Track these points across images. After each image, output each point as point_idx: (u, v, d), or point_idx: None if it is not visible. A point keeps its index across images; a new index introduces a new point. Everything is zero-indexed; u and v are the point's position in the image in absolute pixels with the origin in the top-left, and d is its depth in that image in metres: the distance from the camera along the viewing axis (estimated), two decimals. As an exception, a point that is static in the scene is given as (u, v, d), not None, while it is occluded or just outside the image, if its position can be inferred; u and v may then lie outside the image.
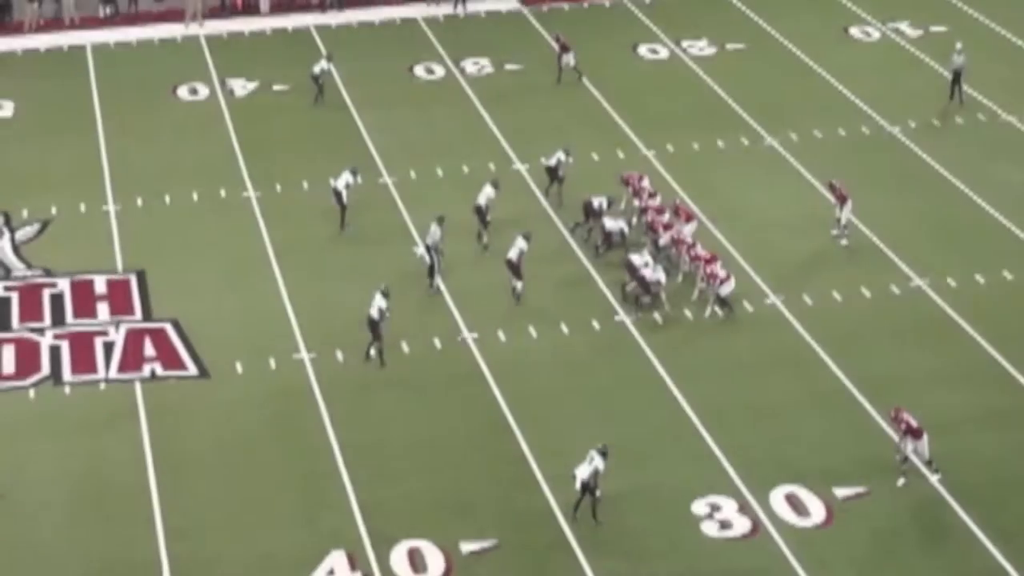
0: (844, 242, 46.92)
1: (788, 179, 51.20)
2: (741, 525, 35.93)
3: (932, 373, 41.55)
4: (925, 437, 36.63)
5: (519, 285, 44.37)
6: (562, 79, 58.21)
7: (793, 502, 36.59)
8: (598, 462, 35.34)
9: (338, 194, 47.82)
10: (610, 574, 34.37)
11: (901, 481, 36.81)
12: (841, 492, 36.87)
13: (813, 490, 36.93)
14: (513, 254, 44.15)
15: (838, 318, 43.60)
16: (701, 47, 62.46)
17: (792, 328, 43.31)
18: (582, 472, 35.22)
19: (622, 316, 43.80)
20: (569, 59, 58.21)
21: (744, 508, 36.40)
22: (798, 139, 54.22)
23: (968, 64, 56.06)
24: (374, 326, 41.21)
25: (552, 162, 49.53)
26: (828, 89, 58.54)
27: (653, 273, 43.53)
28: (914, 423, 36.67)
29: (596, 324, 43.45)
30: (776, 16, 65.28)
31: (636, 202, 47.75)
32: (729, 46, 62.53)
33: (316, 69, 56.66)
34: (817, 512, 36.31)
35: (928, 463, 36.92)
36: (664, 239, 45.71)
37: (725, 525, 35.92)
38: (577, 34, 62.99)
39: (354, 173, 48.07)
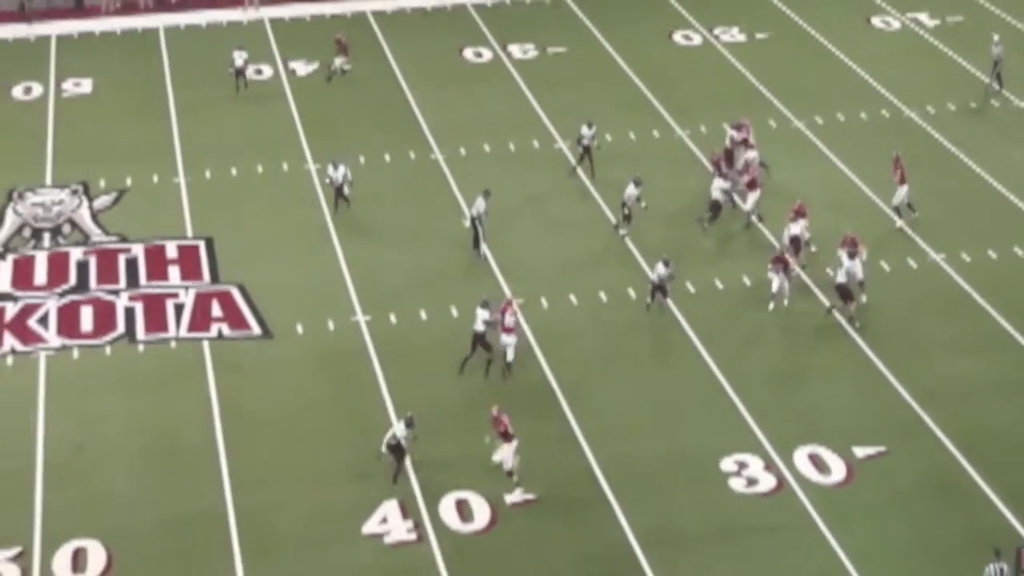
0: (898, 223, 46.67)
1: (813, 159, 50.80)
2: (766, 482, 35.76)
3: (947, 342, 41.25)
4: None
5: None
6: (332, 80, 57.53)
7: (815, 461, 36.40)
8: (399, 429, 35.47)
9: (339, 188, 47.20)
10: (644, 527, 34.22)
11: None
12: (860, 452, 36.66)
13: (834, 450, 36.73)
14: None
15: (859, 290, 43.28)
16: (732, 34, 62.05)
17: (816, 299, 43.01)
18: None
19: (602, 295, 43.60)
20: (342, 63, 57.58)
21: (769, 466, 36.23)
22: (823, 122, 53.82)
23: (1004, 53, 55.78)
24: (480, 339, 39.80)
25: (584, 139, 49.26)
26: (851, 75, 58.07)
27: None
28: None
29: (632, 293, 43.19)
30: (802, 6, 64.81)
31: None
32: (758, 34, 62.09)
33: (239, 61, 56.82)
34: (838, 470, 36.13)
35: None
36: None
37: (752, 482, 35.76)
38: (617, 21, 62.99)
39: (335, 165, 47.41)
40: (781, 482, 35.69)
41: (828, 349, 41.00)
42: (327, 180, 47.35)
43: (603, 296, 43.12)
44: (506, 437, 35.39)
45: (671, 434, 37.46)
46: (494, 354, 39.35)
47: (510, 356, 38.98)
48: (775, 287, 42.00)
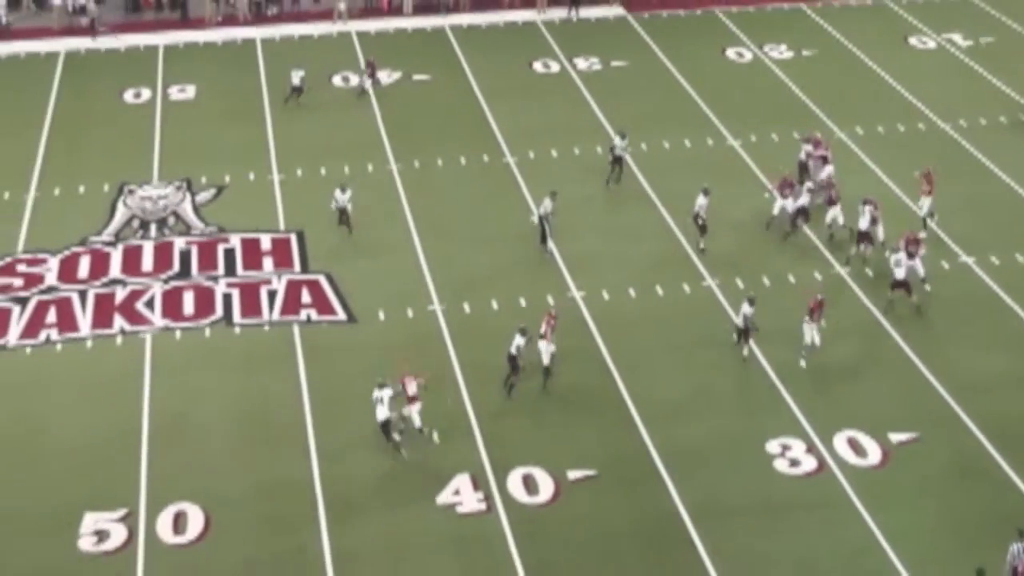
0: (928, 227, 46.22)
1: (854, 168, 50.29)
2: (808, 463, 35.54)
3: (976, 339, 40.84)
4: None
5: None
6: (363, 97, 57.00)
7: (854, 445, 36.15)
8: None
9: (343, 210, 46.15)
10: (694, 502, 34.09)
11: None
12: (895, 438, 36.38)
13: (871, 435, 36.46)
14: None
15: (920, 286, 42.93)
16: (781, 51, 61.63)
17: (855, 296, 42.70)
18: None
19: (709, 282, 43.33)
20: (367, 83, 57.32)
21: (811, 449, 36.00)
22: (863, 133, 53.38)
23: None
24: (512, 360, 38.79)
25: (616, 149, 48.77)
26: (890, 90, 57.57)
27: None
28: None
29: (687, 287, 43.01)
30: (845, 26, 64.34)
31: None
32: (805, 51, 61.63)
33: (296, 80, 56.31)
34: (874, 454, 35.86)
35: None
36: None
37: (794, 463, 35.55)
38: (675, 38, 62.77)
39: (343, 189, 46.49)
40: (822, 464, 35.45)
41: (867, 343, 40.65)
42: (333, 204, 46.19)
43: (659, 290, 42.93)
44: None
45: (720, 418, 37.28)
46: (519, 377, 38.39)
47: (545, 361, 38.44)
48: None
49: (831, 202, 45.46)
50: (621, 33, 64.18)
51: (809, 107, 55.67)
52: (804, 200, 45.79)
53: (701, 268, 43.77)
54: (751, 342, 39.71)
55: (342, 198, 46.01)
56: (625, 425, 36.98)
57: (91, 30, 64.03)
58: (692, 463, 35.47)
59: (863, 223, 43.65)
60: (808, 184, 46.52)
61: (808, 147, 48.41)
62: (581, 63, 60.50)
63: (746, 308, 39.52)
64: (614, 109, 55.45)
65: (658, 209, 47.51)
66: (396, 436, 35.66)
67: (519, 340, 37.67)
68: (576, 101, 56.78)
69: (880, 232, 44.64)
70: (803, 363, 39.16)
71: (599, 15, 66.28)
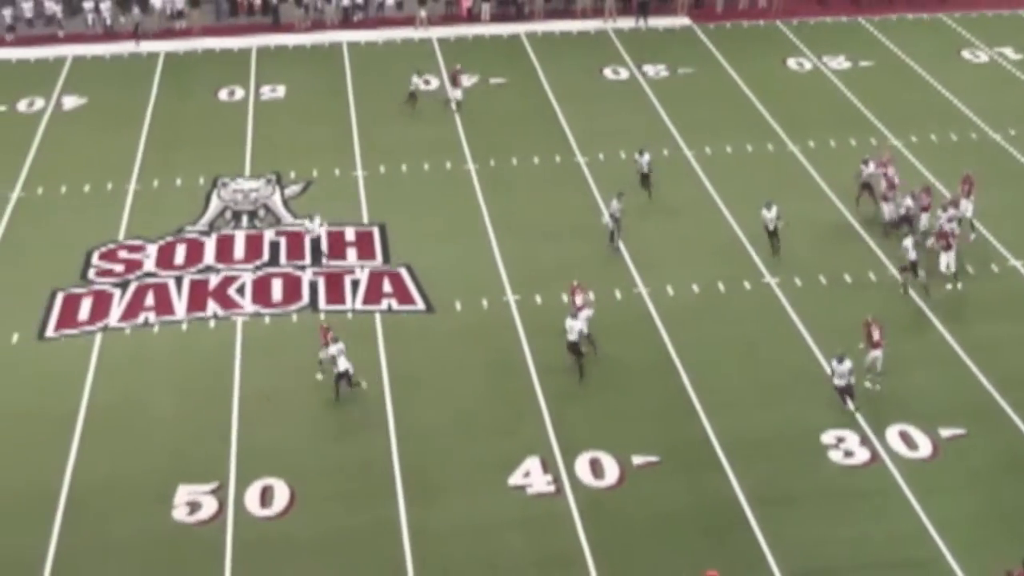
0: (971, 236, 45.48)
1: (908, 174, 49.59)
2: (862, 455, 35.17)
3: (1022, 337, 40.32)
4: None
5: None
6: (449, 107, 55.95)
7: (905, 438, 35.73)
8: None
9: (316, 240, 45.17)
10: (752, 489, 33.80)
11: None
12: (945, 432, 35.94)
13: (922, 429, 36.04)
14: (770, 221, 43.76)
15: (948, 290, 42.41)
16: (839, 62, 61.05)
17: (910, 298, 42.25)
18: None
19: (768, 279, 42.99)
20: (456, 93, 56.02)
21: (864, 441, 35.61)
22: (917, 141, 52.79)
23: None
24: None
25: (644, 168, 47.94)
26: (943, 101, 56.92)
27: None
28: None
29: (747, 284, 42.69)
30: (901, 39, 63.68)
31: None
32: (862, 62, 61.01)
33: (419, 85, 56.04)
34: (925, 447, 35.44)
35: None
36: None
37: (848, 454, 35.19)
38: (737, 48, 62.33)
39: (312, 218, 45.88)
40: (874, 455, 35.07)
41: (918, 340, 40.20)
42: (304, 230, 45.35)
43: (721, 287, 42.63)
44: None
45: (777, 409, 36.93)
46: (585, 359, 38.54)
47: (585, 331, 38.50)
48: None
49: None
50: (687, 42, 63.85)
51: (866, 116, 55.11)
52: (902, 210, 45.23)
53: (761, 266, 43.41)
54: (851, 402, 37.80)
55: (311, 226, 45.30)
56: (687, 414, 36.74)
57: (135, 35, 64.28)
58: (750, 452, 35.17)
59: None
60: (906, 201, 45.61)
61: (869, 168, 47.29)
62: (649, 70, 60.19)
63: (836, 364, 37.01)
64: (681, 115, 55.13)
65: (720, 210, 47.18)
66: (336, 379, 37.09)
67: (571, 323, 37.99)
68: (644, 106, 56.49)
69: (924, 220, 44.63)
70: (875, 386, 37.86)
71: (666, 25, 65.96)
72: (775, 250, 44.15)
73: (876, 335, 37.43)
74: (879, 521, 32.87)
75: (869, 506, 33.37)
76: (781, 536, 32.27)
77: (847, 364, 36.16)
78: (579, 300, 39.11)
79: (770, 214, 44.14)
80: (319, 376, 37.95)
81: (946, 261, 42.15)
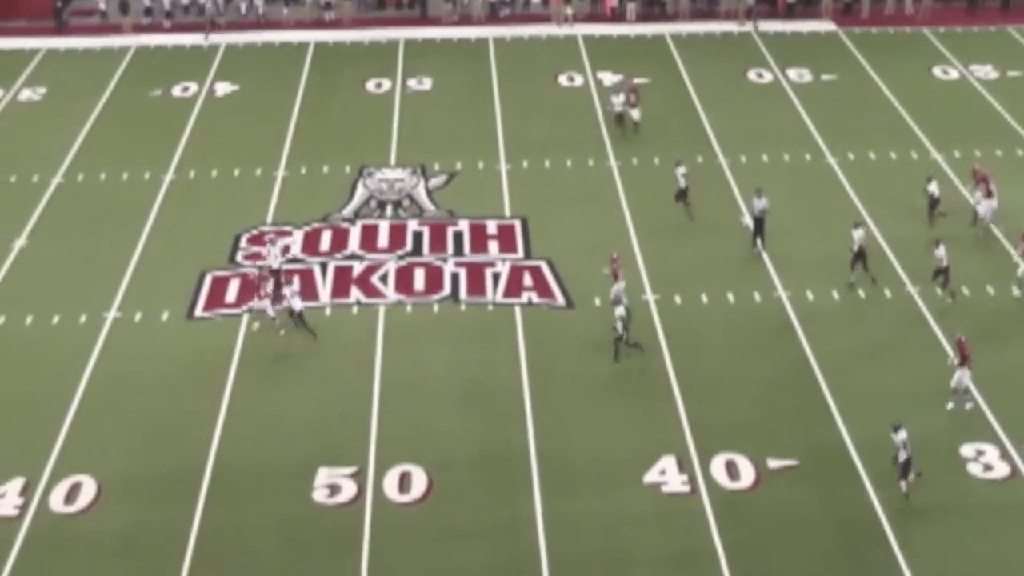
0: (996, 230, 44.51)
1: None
2: (1001, 469, 34.36)
3: None
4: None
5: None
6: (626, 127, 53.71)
7: (1045, 453, 34.96)
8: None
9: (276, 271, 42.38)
10: (890, 500, 33.08)
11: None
12: (1088, 449, 35.12)
13: (1063, 445, 35.23)
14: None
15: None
16: (986, 71, 59.76)
17: (1051, 310, 41.43)
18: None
19: (910, 288, 42.24)
20: (635, 113, 53.46)
21: (1004, 455, 34.80)
22: (1064, 153, 51.76)
23: None
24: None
25: (680, 182, 46.72)
26: (1093, 112, 55.63)
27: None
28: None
29: (888, 293, 41.96)
30: (1051, 49, 62.49)
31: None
32: (1010, 72, 59.72)
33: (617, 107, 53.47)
34: (1066, 464, 34.66)
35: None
36: None
37: (987, 468, 34.38)
38: (882, 54, 61.39)
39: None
40: (1015, 470, 34.26)
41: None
42: (274, 261, 42.75)
43: (861, 293, 41.95)
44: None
45: (916, 419, 35.84)
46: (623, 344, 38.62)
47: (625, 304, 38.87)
48: None
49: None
50: (832, 47, 63.00)
51: (1012, 127, 53.86)
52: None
53: (903, 274, 42.65)
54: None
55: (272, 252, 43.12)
56: (824, 420, 36.21)
57: (205, 27, 64.91)
58: (888, 461, 34.44)
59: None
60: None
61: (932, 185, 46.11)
62: (793, 74, 59.48)
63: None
64: (823, 120, 54.38)
65: (861, 215, 46.40)
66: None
67: (619, 311, 38.14)
68: (787, 110, 55.82)
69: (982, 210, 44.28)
70: (965, 406, 36.80)
71: (811, 29, 65.16)
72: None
73: (964, 352, 36.42)
74: (1018, 536, 32.10)
75: (1008, 521, 32.59)
76: (917, 548, 31.64)
77: (902, 435, 33.23)
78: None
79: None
80: (255, 326, 39.49)
81: None
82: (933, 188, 45.38)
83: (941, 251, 41.18)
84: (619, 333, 38.21)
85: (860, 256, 42.07)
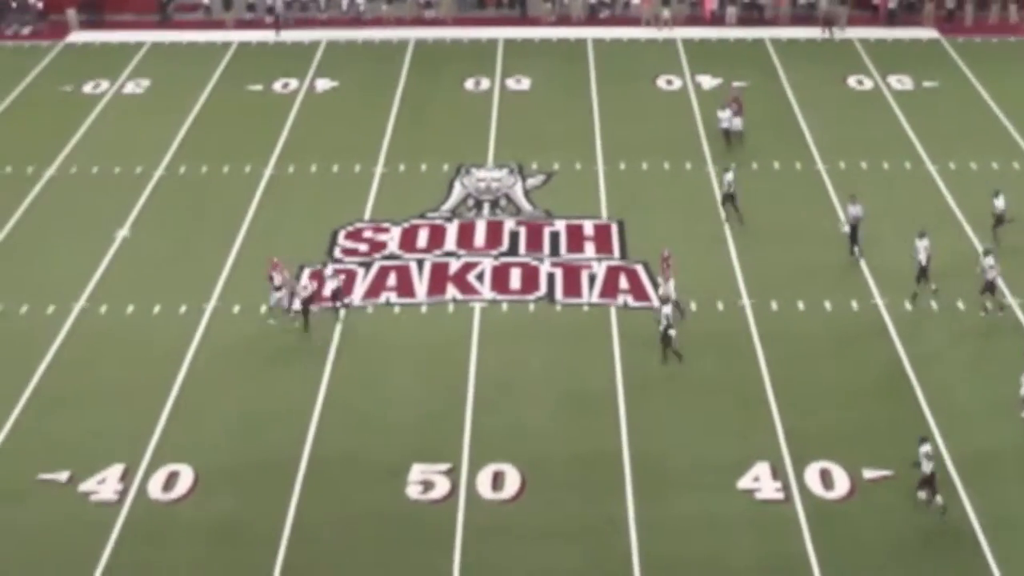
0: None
1: None
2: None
3: None
4: None
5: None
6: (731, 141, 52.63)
7: None
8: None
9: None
10: (985, 512, 32.58)
11: None
12: None
13: None
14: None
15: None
16: (1094, 79, 58.88)
17: None
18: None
19: (1009, 299, 41.62)
20: (736, 123, 52.41)
21: (1102, 470, 34.29)
22: None
23: None
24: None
25: (727, 187, 46.26)
26: None
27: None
28: None
29: (989, 303, 41.30)
30: None
31: None
32: None
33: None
34: None
35: None
36: None
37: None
38: (986, 63, 60.56)
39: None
40: (1115, 484, 33.76)
41: None
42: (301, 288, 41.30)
43: (960, 304, 41.39)
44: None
45: (1014, 431, 35.66)
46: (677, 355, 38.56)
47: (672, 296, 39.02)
48: None
49: None
50: (933, 54, 62.27)
51: (1119, 138, 53.13)
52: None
53: (1003, 286, 42.04)
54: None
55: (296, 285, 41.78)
56: (920, 430, 35.66)
57: (275, 24, 65.35)
58: (984, 472, 34.06)
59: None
60: None
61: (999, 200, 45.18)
62: (894, 80, 58.85)
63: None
64: (924, 127, 53.75)
65: (961, 226, 45.87)
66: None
67: (666, 309, 38.30)
68: (887, 117, 55.21)
69: None
70: None
71: (913, 36, 64.45)
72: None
73: None
74: (1119, 554, 31.62)
75: (1109, 538, 32.11)
76: (1015, 563, 31.19)
77: (925, 447, 32.69)
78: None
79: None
80: (271, 321, 39.94)
81: None
82: (999, 203, 44.62)
83: (989, 260, 40.56)
84: (665, 333, 38.14)
85: (923, 267, 41.60)
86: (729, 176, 46.09)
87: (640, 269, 43.18)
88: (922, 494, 32.79)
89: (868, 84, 58.69)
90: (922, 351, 39.16)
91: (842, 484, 33.66)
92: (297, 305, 40.23)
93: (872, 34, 64.44)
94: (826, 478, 33.84)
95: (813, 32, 64.53)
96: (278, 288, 40.55)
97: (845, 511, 32.85)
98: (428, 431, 35.74)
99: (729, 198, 46.03)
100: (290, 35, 64.73)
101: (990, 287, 40.54)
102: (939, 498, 32.60)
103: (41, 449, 35.24)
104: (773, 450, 34.87)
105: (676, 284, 40.10)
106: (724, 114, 52.04)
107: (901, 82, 58.77)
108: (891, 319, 40.61)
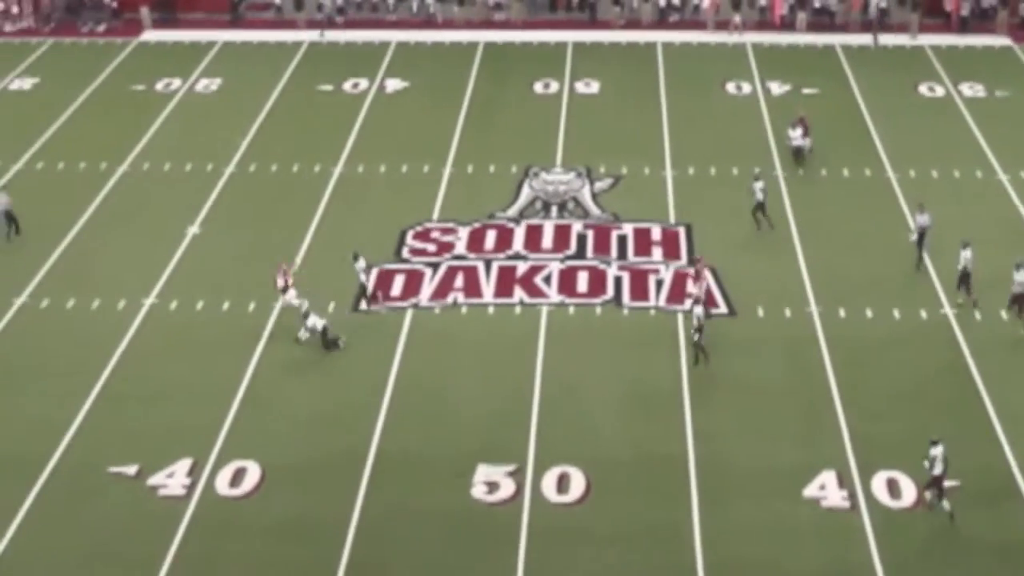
0: None
1: None
2: None
3: None
4: None
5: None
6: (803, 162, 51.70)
7: None
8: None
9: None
10: (1054, 523, 32.46)
11: None
12: None
13: None
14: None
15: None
16: None
17: None
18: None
19: (1079, 311, 41.28)
20: (805, 143, 51.46)
21: None
22: None
23: None
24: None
25: (758, 195, 45.84)
26: None
27: None
28: None
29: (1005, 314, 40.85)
30: None
31: None
32: None
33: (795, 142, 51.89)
34: None
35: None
36: None
37: None
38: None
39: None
40: None
41: None
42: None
43: (1031, 315, 41.10)
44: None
45: (1085, 445, 35.45)
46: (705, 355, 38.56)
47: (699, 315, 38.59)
48: None
49: None
50: (1007, 62, 61.75)
51: None
52: None
53: (1073, 298, 41.64)
54: None
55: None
56: (988, 440, 35.46)
57: (322, 25, 65.52)
58: (1053, 485, 33.86)
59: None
60: None
61: None
62: (966, 88, 58.35)
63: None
64: (996, 136, 53.24)
65: (1027, 234, 45.56)
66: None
67: (698, 311, 38.17)
68: (958, 125, 54.75)
69: None
70: None
71: (985, 44, 63.90)
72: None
73: None
74: None
75: None
76: (1083, 576, 30.95)
77: (936, 450, 32.45)
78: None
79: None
80: (304, 335, 39.62)
81: None
82: None
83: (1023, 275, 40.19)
84: (697, 335, 38.17)
85: (964, 278, 41.15)
86: (760, 184, 45.80)
87: (708, 274, 42.99)
88: (928, 494, 32.68)
89: (940, 92, 58.25)
90: (991, 361, 38.80)
91: (909, 493, 33.41)
92: (311, 322, 39.68)
93: (944, 41, 63.96)
94: (893, 487, 33.60)
95: (884, 39, 64.05)
96: (283, 290, 40.72)
97: (912, 521, 32.61)
98: (493, 432, 35.80)
99: (759, 206, 45.77)
100: (360, 35, 64.95)
101: (1019, 299, 40.21)
102: (946, 503, 32.37)
103: (111, 442, 35.62)
104: (840, 458, 34.67)
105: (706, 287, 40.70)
106: (794, 133, 51.46)
107: (973, 90, 58.25)
108: (960, 329, 40.24)
